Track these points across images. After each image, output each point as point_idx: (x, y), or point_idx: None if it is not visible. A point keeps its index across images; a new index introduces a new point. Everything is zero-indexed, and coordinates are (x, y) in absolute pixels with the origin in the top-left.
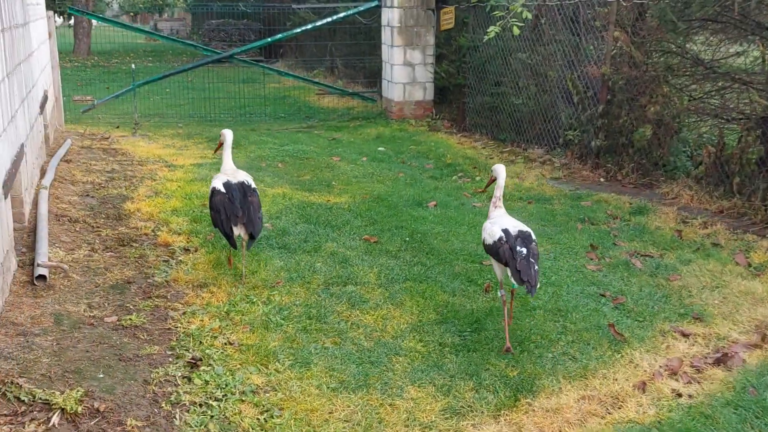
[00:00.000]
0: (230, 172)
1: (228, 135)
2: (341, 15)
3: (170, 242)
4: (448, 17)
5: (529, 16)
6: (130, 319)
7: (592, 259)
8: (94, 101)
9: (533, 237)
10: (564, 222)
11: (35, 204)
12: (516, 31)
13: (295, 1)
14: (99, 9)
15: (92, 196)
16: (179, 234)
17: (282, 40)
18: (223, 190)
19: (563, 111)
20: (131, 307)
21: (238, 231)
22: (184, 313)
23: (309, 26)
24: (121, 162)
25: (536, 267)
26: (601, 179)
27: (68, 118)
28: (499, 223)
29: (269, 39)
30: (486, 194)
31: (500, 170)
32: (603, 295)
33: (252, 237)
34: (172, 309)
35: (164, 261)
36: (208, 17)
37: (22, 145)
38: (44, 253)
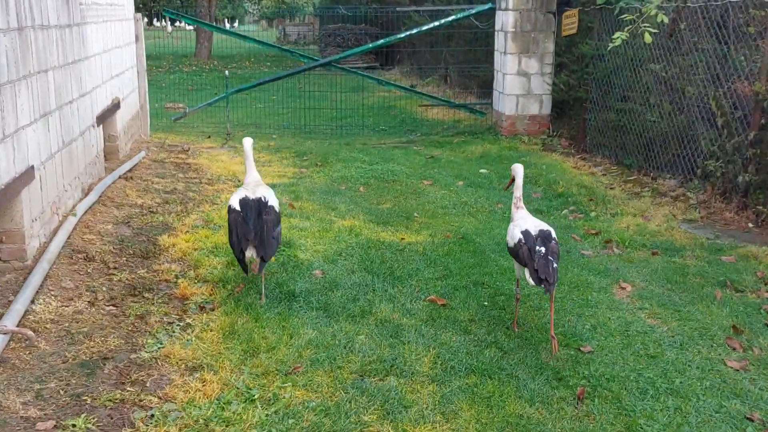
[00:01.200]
0: (251, 186)
1: (247, 144)
2: (450, 19)
3: (188, 295)
4: (571, 22)
5: (665, 20)
6: (73, 426)
7: (734, 349)
8: (185, 109)
9: (553, 235)
10: (697, 286)
11: (55, 234)
12: (648, 38)
13: (414, 3)
14: (239, 14)
15: (131, 225)
16: (205, 282)
17: (383, 46)
18: (238, 207)
19: (703, 135)
20: (88, 401)
21: (250, 253)
22: (151, 417)
23: (414, 31)
24: (188, 180)
25: (555, 265)
26: (750, 225)
27: (160, 125)
28: (520, 225)
29: (369, 45)
30: (566, 220)
31: (518, 169)
32: (750, 419)
33: (263, 260)
34: (141, 406)
35: (168, 324)
36: (333, 22)
37: (31, 168)
38: (18, 311)
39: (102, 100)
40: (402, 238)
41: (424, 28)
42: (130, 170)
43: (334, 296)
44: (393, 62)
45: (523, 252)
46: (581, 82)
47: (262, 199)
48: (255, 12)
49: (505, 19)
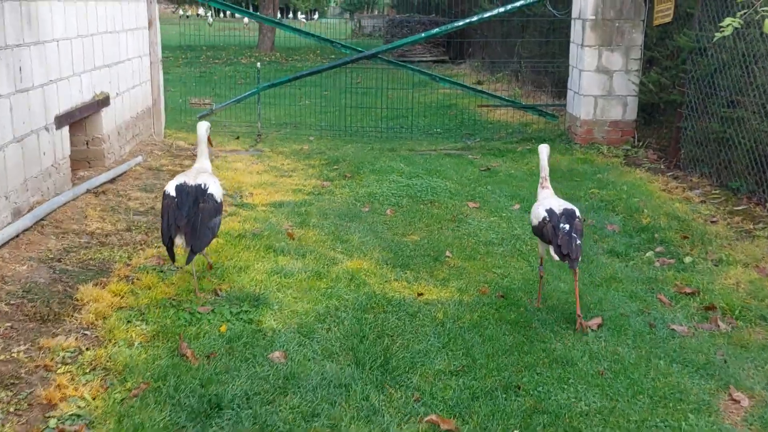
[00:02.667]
0: (193, 173)
1: (201, 129)
2: (517, 4)
3: (57, 400)
4: (666, 8)
5: None
6: None
7: None
8: (212, 105)
9: (577, 214)
10: None
11: None
12: None
13: None
14: (321, 6)
15: (58, 265)
16: (98, 374)
17: (439, 35)
18: (173, 193)
19: None
20: None
21: (180, 241)
22: None
23: (473, 18)
24: None
25: (579, 241)
26: None
27: (185, 124)
28: (544, 204)
29: (422, 35)
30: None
31: (543, 149)
32: None
33: (193, 251)
34: None
35: None
36: (407, 11)
37: None
38: None
39: (70, 95)
40: (419, 294)
41: (486, 15)
42: (112, 181)
43: (282, 408)
44: (464, 55)
45: (547, 230)
46: (676, 81)
47: (201, 186)
48: (337, 3)
49: (584, 5)
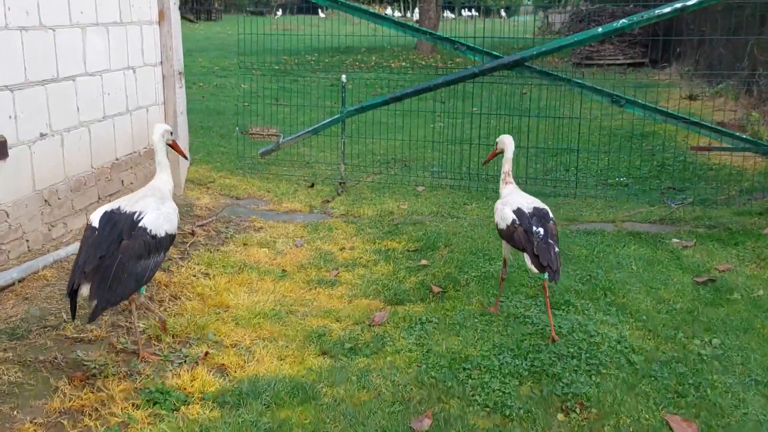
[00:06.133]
0: (139, 195)
1: (156, 133)
2: None
3: None
4: None
5: None
6: None
7: None
8: (279, 138)
9: (551, 215)
10: None
11: None
12: None
13: None
14: (514, 3)
15: None
16: None
17: (626, 30)
18: (95, 223)
19: None
20: None
21: (85, 291)
22: None
23: (665, 10)
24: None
25: (556, 249)
26: None
27: (228, 167)
28: (510, 202)
29: (582, 35)
30: None
31: (507, 141)
32: None
33: (97, 306)
34: None
35: None
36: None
37: None
38: None
39: None
40: None
41: (690, 2)
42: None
43: None
44: (669, 57)
45: (518, 235)
46: None
47: (134, 216)
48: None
49: None
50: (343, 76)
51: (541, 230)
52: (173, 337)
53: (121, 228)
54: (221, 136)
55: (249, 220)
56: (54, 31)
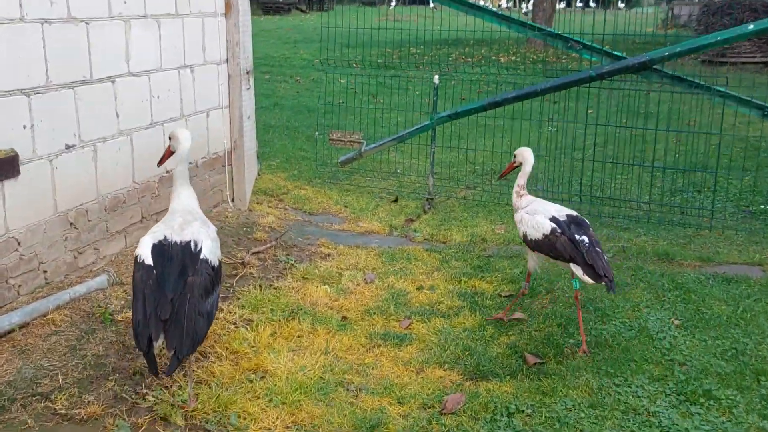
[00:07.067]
0: (178, 220)
1: (181, 139)
2: None
3: None
4: None
5: None
6: None
7: None
8: (362, 145)
9: (587, 221)
10: None
11: None
12: None
13: None
14: None
15: None
16: None
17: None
18: (149, 260)
19: None
20: None
21: (161, 342)
22: None
23: None
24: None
25: (605, 257)
26: None
27: (304, 176)
28: (540, 210)
29: (728, 33)
30: None
31: (528, 155)
32: None
33: (177, 356)
34: None
35: None
36: None
37: None
38: None
39: None
40: None
41: None
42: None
43: None
44: None
45: (562, 244)
46: None
47: (191, 246)
48: None
49: None
50: (436, 77)
51: (585, 238)
52: (185, 419)
53: (181, 262)
54: (306, 138)
55: (316, 245)
56: (87, 24)
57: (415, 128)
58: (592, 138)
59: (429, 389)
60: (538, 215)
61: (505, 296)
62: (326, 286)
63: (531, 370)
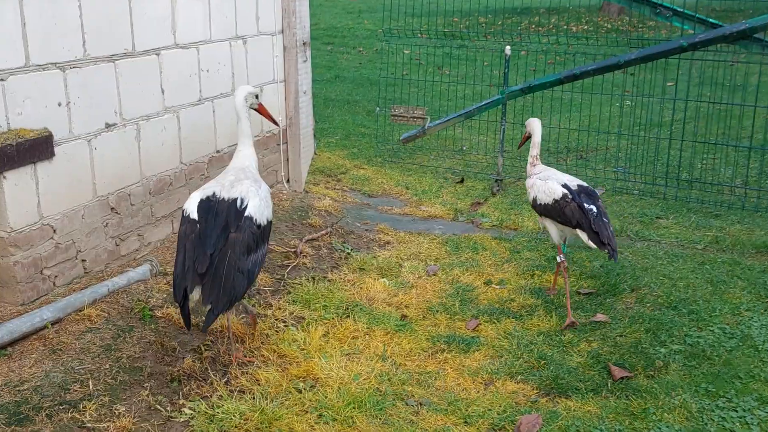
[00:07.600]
0: (230, 178)
1: (240, 93)
2: None
3: None
4: None
5: None
6: None
7: None
8: (425, 121)
9: (597, 193)
10: None
11: None
12: None
13: None
14: None
15: None
16: None
17: None
18: (194, 215)
19: None
20: None
21: (197, 295)
22: None
23: None
24: None
25: (611, 228)
26: None
27: (368, 155)
28: (553, 177)
29: None
30: None
31: (535, 125)
32: None
33: (213, 311)
34: None
35: None
36: None
37: None
38: None
39: None
40: None
41: None
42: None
43: None
44: None
45: (571, 210)
46: None
47: (237, 203)
48: None
49: None
50: (507, 48)
51: (594, 207)
52: None
53: (225, 218)
54: (367, 113)
55: (375, 231)
56: None
57: (483, 103)
58: (673, 113)
59: (500, 406)
60: (550, 181)
61: (584, 294)
62: (384, 279)
63: (617, 386)
